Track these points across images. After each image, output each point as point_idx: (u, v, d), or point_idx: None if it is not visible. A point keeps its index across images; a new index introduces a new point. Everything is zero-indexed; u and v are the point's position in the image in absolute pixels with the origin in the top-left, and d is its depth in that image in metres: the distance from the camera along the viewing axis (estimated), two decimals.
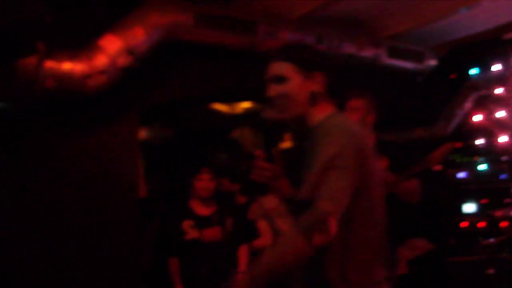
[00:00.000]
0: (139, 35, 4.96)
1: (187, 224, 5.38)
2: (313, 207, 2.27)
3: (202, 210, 5.48)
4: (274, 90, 2.61)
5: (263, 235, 5.91)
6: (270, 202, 5.56)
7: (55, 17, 4.71)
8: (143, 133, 8.37)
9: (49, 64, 4.57)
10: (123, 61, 4.89)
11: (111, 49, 4.85)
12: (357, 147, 2.38)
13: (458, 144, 7.47)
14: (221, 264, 5.40)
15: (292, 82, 2.57)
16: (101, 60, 4.80)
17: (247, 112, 9.51)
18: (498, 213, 5.95)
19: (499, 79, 6.83)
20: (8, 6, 4.08)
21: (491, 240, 5.56)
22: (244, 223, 5.82)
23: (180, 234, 5.32)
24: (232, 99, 8.28)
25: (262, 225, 5.85)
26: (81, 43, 4.86)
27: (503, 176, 6.93)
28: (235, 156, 9.16)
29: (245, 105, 9.30)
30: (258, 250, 5.59)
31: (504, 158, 6.95)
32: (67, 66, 4.66)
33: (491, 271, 5.53)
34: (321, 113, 2.57)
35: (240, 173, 6.58)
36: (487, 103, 6.99)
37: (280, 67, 2.60)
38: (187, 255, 5.32)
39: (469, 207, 7.09)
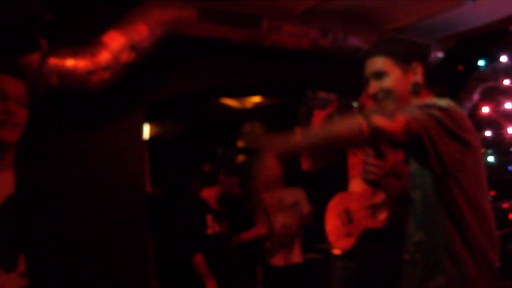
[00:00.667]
0: (142, 31, 4.97)
1: (209, 219, 5.45)
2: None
3: (215, 204, 5.57)
4: (375, 86, 2.64)
5: (257, 228, 5.98)
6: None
7: (58, 14, 4.72)
8: (152, 129, 8.41)
9: (53, 61, 4.61)
10: (126, 57, 4.91)
11: (114, 45, 4.87)
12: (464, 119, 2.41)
13: None
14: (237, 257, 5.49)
15: (392, 76, 2.60)
16: (104, 56, 4.82)
17: (257, 107, 9.52)
18: (506, 205, 5.92)
19: (507, 70, 6.78)
20: (10, 3, 4.09)
21: (497, 232, 5.53)
22: (239, 215, 5.89)
23: (204, 228, 5.39)
24: (236, 94, 8.28)
25: (260, 217, 5.91)
26: (84, 40, 4.89)
27: (511, 168, 6.89)
28: (231, 149, 9.21)
29: (255, 99, 9.32)
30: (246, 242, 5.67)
31: (511, 149, 6.91)
32: (70, 62, 4.69)
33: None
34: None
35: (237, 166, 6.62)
36: (494, 94, 6.95)
37: (378, 63, 2.64)
38: (210, 249, 5.39)
39: None
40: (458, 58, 7.54)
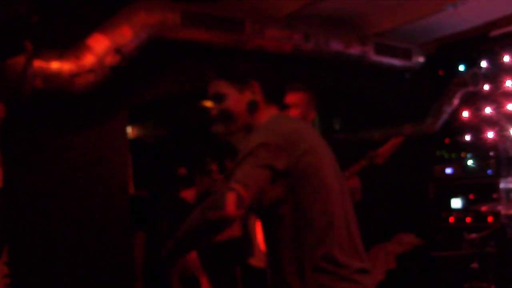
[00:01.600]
0: (126, 34, 4.98)
1: None
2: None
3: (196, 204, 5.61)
4: (216, 108, 2.69)
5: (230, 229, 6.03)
6: None
7: (43, 16, 4.74)
8: (134, 131, 8.42)
9: (37, 63, 4.61)
10: (110, 60, 4.92)
11: (99, 48, 4.87)
12: (281, 142, 2.40)
13: (446, 140, 7.54)
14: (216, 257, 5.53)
15: (229, 98, 2.64)
16: (89, 59, 4.82)
17: None
18: (484, 208, 5.99)
19: (487, 76, 6.86)
20: None
21: (474, 235, 5.61)
22: None
23: None
24: None
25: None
26: (69, 42, 4.89)
27: (490, 172, 6.98)
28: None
29: None
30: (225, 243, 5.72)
31: (491, 153, 7.00)
32: (55, 65, 4.70)
33: (475, 265, 5.60)
34: (264, 118, 2.63)
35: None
36: (474, 99, 7.03)
37: (216, 86, 2.69)
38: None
39: (456, 203, 7.14)
40: (439, 63, 7.63)
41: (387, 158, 4.70)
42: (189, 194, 5.67)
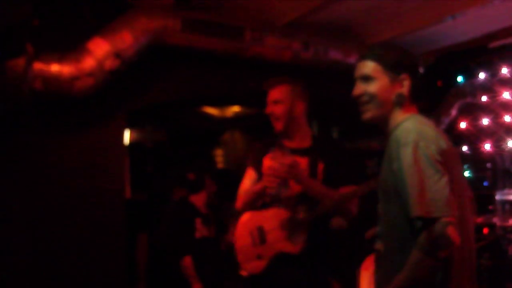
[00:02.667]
0: (126, 39, 5.01)
1: (198, 222, 5.53)
2: (428, 224, 2.30)
3: (204, 208, 5.67)
4: (360, 88, 2.66)
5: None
6: None
7: (44, 19, 4.77)
8: (133, 135, 8.45)
9: (37, 65, 4.63)
10: (110, 64, 4.94)
11: (99, 52, 4.90)
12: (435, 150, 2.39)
13: None
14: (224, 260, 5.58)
15: (379, 83, 2.61)
16: (89, 63, 4.85)
17: (238, 116, 9.61)
18: (480, 220, 6.01)
19: (485, 87, 6.89)
20: None
21: None
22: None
23: (193, 231, 5.48)
24: (218, 103, 8.34)
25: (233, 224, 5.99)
26: (69, 46, 4.92)
27: (486, 183, 7.00)
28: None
29: (236, 109, 9.41)
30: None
31: (487, 165, 7.01)
32: (55, 68, 4.72)
33: None
34: (403, 116, 2.59)
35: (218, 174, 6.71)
36: (472, 110, 7.05)
37: (368, 67, 2.64)
38: (199, 253, 5.47)
39: None
40: (438, 73, 7.65)
41: None
42: (198, 199, 5.75)
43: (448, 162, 2.42)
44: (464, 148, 7.13)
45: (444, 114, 7.18)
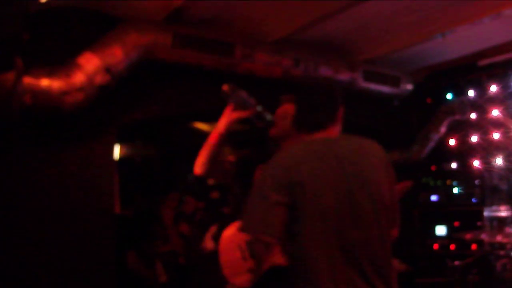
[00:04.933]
0: (117, 54, 5.01)
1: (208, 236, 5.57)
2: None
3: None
4: None
5: None
6: None
7: (34, 34, 4.76)
8: (123, 150, 8.44)
9: (27, 80, 4.60)
10: (100, 79, 4.94)
11: (89, 67, 4.89)
12: (282, 178, 2.46)
13: (432, 168, 7.58)
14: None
15: None
16: (79, 78, 4.84)
17: (228, 132, 9.60)
18: (468, 236, 6.02)
19: (474, 104, 6.92)
20: None
21: (458, 262, 5.64)
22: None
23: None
24: (208, 119, 8.33)
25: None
26: (60, 60, 4.90)
27: (474, 200, 7.03)
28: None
29: None
30: None
31: (476, 182, 7.04)
32: (45, 82, 4.69)
33: None
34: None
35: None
36: (461, 127, 7.08)
37: None
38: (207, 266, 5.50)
39: (441, 230, 7.18)
40: (427, 91, 7.69)
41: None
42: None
43: (302, 183, 2.45)
44: (453, 165, 7.16)
45: (433, 131, 7.21)
